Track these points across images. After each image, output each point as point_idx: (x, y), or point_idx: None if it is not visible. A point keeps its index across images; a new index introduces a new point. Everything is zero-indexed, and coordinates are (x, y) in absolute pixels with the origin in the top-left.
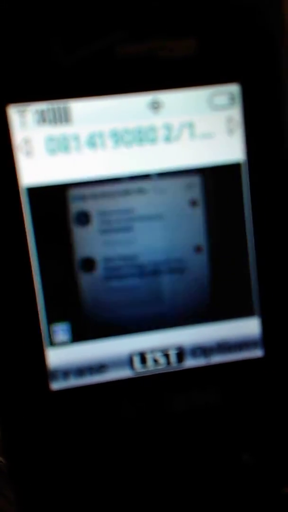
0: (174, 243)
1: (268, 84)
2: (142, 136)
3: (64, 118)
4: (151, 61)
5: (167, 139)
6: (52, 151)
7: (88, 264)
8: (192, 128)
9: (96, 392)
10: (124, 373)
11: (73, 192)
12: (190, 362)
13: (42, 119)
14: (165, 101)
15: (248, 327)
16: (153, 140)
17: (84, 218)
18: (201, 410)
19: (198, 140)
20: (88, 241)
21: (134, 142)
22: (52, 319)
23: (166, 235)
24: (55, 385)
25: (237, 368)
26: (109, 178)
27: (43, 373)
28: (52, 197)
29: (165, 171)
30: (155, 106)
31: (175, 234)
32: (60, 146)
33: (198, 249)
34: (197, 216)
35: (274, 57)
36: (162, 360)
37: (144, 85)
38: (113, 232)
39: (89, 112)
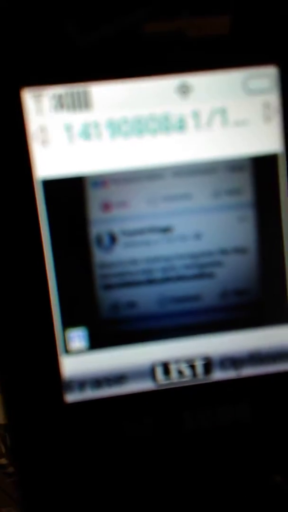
0: (205, 245)
1: None
2: (169, 124)
3: (83, 103)
4: (179, 41)
5: (197, 127)
6: (70, 140)
7: (108, 265)
8: (224, 115)
9: (115, 406)
10: (145, 385)
11: (94, 185)
12: (219, 375)
13: (60, 104)
14: (194, 85)
15: (285, 335)
16: (181, 128)
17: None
18: (228, 427)
19: (231, 128)
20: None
21: (160, 130)
22: (68, 324)
23: (198, 235)
24: (70, 397)
25: (270, 382)
26: (132, 170)
27: (57, 384)
28: (70, 191)
29: (193, 163)
30: (184, 90)
31: (209, 234)
32: (79, 134)
33: (231, 250)
34: (232, 214)
35: None
36: (187, 371)
37: (171, 68)
38: (138, 231)
39: (111, 97)
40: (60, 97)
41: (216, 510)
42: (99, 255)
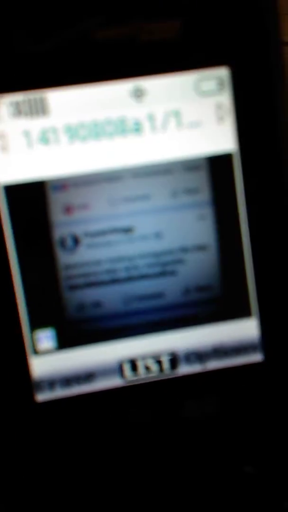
0: (166, 244)
1: (259, 67)
2: (126, 127)
3: (41, 109)
4: (131, 46)
5: (153, 129)
6: (29, 145)
7: (73, 266)
8: (178, 117)
9: (84, 403)
10: (114, 382)
11: (54, 189)
12: (185, 369)
13: (18, 111)
14: (148, 89)
15: (246, 329)
16: (137, 131)
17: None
18: (197, 420)
19: (186, 130)
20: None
21: (117, 134)
22: (36, 325)
23: (159, 235)
24: (40, 396)
25: (235, 374)
26: (91, 173)
27: (27, 384)
28: (32, 195)
29: (150, 164)
30: (138, 94)
31: (169, 233)
32: (37, 140)
33: (192, 248)
34: (191, 213)
35: (266, 38)
36: (154, 367)
37: (125, 72)
38: (100, 233)
39: (67, 103)
40: (17, 104)
41: (190, 502)
42: (63, 257)
